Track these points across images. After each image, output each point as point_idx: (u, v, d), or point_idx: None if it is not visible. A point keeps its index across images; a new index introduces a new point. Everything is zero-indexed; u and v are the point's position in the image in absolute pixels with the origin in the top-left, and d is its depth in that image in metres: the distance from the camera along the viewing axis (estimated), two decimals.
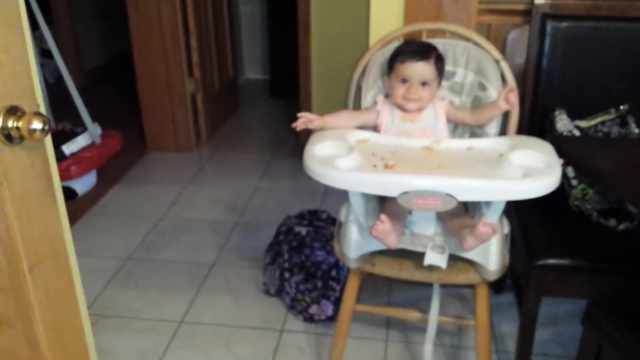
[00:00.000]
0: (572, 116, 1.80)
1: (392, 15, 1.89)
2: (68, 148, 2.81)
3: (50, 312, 1.31)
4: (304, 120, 1.55)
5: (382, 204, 1.59)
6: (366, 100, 1.68)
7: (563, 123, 1.77)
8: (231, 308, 2.16)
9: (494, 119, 1.57)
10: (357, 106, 1.71)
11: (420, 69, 1.52)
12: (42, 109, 1.48)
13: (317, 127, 1.56)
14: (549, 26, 1.85)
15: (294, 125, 1.55)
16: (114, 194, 3.00)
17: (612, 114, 1.80)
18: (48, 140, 1.50)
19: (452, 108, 1.60)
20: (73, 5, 4.41)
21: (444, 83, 1.67)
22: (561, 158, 1.43)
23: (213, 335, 2.03)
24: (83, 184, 2.91)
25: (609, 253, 1.64)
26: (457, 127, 1.68)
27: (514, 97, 1.49)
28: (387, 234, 1.42)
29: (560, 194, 1.69)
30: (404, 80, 1.53)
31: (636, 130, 1.76)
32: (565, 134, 1.76)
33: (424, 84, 1.53)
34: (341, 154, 1.44)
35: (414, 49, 1.54)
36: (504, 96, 1.49)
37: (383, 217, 1.40)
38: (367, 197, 1.55)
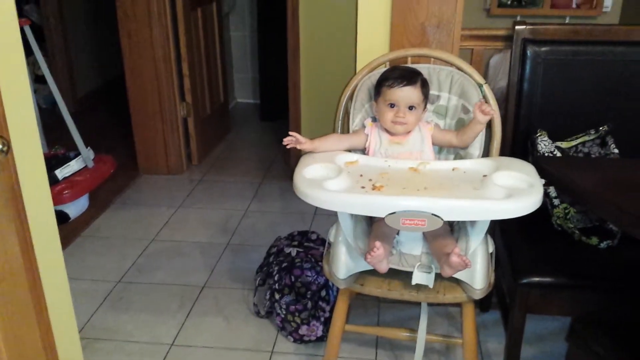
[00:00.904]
0: (553, 137, 1.85)
1: (379, 41, 1.94)
2: (61, 172, 2.83)
3: (12, 329, 1.33)
4: (293, 139, 1.59)
5: (371, 224, 1.63)
6: (354, 123, 1.72)
7: (544, 144, 1.82)
8: (222, 330, 2.17)
9: (479, 134, 1.61)
10: (346, 129, 1.76)
11: (407, 93, 1.57)
12: (37, 134, 1.52)
13: (307, 149, 1.61)
14: (530, 51, 1.91)
15: (284, 141, 1.59)
16: (106, 217, 3.02)
17: (592, 135, 1.85)
18: (41, 163, 1.53)
19: (438, 131, 1.64)
20: (67, 32, 4.46)
21: (429, 106, 1.72)
22: (543, 178, 1.47)
23: (204, 358, 2.04)
24: (75, 208, 2.92)
25: (592, 270, 1.68)
26: (442, 149, 1.72)
27: (487, 107, 1.54)
28: (380, 260, 1.48)
29: (543, 214, 1.73)
30: (392, 105, 1.58)
31: (615, 151, 1.81)
32: (546, 154, 1.81)
33: (410, 107, 1.57)
34: (330, 176, 1.48)
35: (401, 74, 1.59)
36: (478, 110, 1.54)
37: (377, 244, 1.45)
38: (356, 218, 1.59)
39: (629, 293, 1.63)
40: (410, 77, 1.58)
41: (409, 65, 1.72)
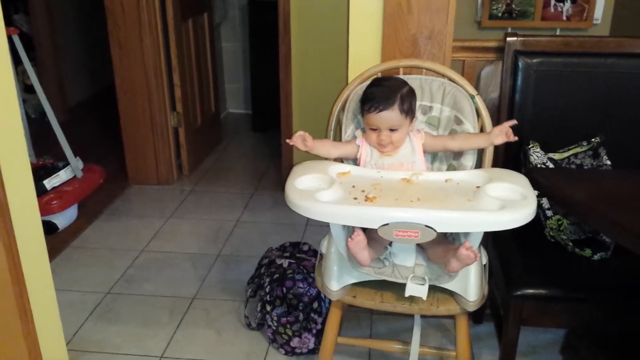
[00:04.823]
0: (546, 149, 1.85)
1: (370, 52, 1.94)
2: (49, 182, 2.80)
3: None
4: (299, 139, 1.57)
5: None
6: (346, 134, 1.72)
7: (537, 156, 1.82)
8: (212, 342, 2.15)
9: (476, 149, 1.63)
10: (338, 140, 1.75)
11: (386, 118, 1.55)
12: (24, 143, 1.49)
13: (303, 149, 1.60)
14: (521, 62, 1.92)
15: (290, 140, 1.58)
16: (94, 227, 2.99)
17: (584, 147, 1.85)
18: (28, 173, 1.51)
19: (430, 138, 1.63)
20: (56, 42, 4.43)
21: (422, 117, 1.71)
22: (536, 190, 1.47)
23: None
24: (64, 218, 2.89)
25: (585, 282, 1.68)
26: (435, 160, 1.72)
27: (512, 135, 1.56)
28: (361, 248, 1.45)
29: (536, 225, 1.73)
30: (374, 128, 1.57)
31: (608, 162, 1.81)
32: (539, 166, 1.81)
33: (392, 129, 1.57)
34: (322, 187, 1.47)
35: (378, 96, 1.56)
36: (504, 134, 1.55)
37: (357, 230, 1.43)
38: (349, 229, 1.57)
39: (622, 305, 1.63)
40: (387, 99, 1.54)
41: (400, 76, 1.72)
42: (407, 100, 1.57)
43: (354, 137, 1.67)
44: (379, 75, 1.75)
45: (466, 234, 1.51)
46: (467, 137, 1.62)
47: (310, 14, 3.12)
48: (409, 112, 1.57)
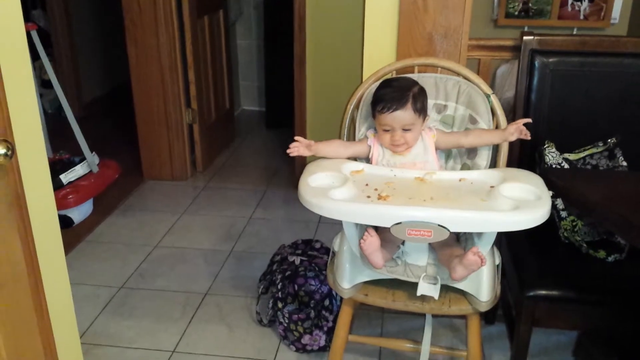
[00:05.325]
0: (561, 149, 1.83)
1: (385, 50, 1.94)
2: (66, 177, 2.82)
3: (13, 334, 1.32)
4: (299, 147, 1.57)
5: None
6: (360, 132, 1.72)
7: (552, 156, 1.81)
8: (224, 338, 2.16)
9: (490, 145, 1.62)
10: (352, 138, 1.75)
11: (399, 118, 1.54)
12: (41, 138, 1.51)
13: (306, 155, 1.59)
14: (537, 61, 1.90)
15: (289, 150, 1.58)
16: (109, 222, 3.01)
17: (600, 147, 1.83)
18: (45, 167, 1.53)
19: (442, 135, 1.63)
20: (74, 38, 4.48)
21: (436, 116, 1.71)
22: (550, 190, 1.46)
23: None
24: (79, 213, 2.91)
25: (599, 284, 1.66)
26: (449, 158, 1.71)
27: (526, 131, 1.55)
28: (375, 249, 1.45)
29: (550, 226, 1.71)
30: (387, 128, 1.57)
31: (624, 163, 1.79)
32: (554, 166, 1.79)
33: (405, 129, 1.56)
34: (335, 185, 1.47)
35: (390, 96, 1.55)
36: (517, 131, 1.54)
37: (371, 230, 1.43)
38: (361, 227, 1.57)
39: (637, 308, 1.61)
40: (399, 99, 1.54)
41: (415, 74, 1.72)
42: (419, 99, 1.56)
43: (365, 137, 1.67)
44: (394, 73, 1.75)
45: (479, 234, 1.50)
46: (481, 133, 1.61)
47: (325, 12, 3.12)
48: (422, 110, 1.57)
